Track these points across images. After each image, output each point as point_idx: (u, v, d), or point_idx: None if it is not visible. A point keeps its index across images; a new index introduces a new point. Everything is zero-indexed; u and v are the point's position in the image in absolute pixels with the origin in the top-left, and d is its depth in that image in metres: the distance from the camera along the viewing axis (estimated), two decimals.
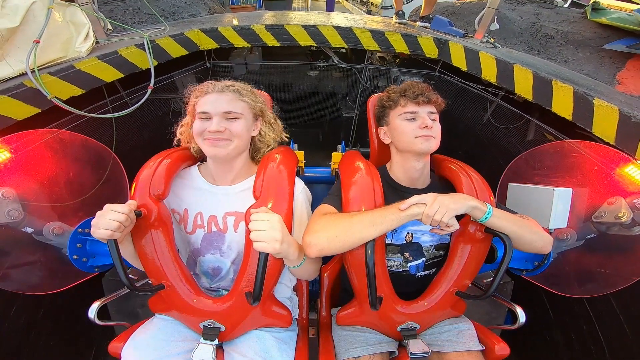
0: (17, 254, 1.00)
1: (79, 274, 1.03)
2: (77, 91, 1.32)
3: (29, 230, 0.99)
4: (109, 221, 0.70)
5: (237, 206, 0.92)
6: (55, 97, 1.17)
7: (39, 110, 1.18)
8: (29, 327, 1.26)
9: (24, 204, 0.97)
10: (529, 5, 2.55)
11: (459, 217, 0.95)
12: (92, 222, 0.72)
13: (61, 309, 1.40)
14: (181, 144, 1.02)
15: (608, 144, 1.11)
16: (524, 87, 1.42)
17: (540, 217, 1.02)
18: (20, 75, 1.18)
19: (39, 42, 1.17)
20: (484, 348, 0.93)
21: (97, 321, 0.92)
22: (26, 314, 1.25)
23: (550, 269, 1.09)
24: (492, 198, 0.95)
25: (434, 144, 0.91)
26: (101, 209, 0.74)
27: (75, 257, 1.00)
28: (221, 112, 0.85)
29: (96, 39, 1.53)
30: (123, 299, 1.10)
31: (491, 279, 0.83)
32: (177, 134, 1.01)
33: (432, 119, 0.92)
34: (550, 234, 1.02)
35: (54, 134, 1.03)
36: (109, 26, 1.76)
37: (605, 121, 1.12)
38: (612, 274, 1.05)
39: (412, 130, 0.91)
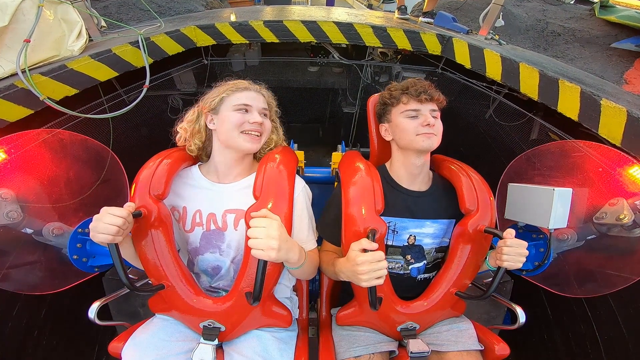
0: (17, 255, 1.00)
1: (79, 274, 1.03)
2: (71, 91, 1.29)
3: (29, 231, 0.98)
4: (107, 225, 0.70)
5: (237, 203, 0.91)
6: (48, 97, 1.14)
7: (32, 112, 1.16)
8: (31, 327, 1.27)
9: (23, 205, 0.96)
10: (535, 1, 2.51)
11: (459, 217, 0.96)
12: (90, 226, 0.71)
13: (62, 309, 1.40)
14: (178, 142, 0.98)
15: (614, 145, 1.09)
16: (529, 86, 1.40)
17: (540, 217, 1.01)
18: (11, 75, 1.15)
19: (29, 41, 1.14)
20: (484, 348, 0.93)
21: (97, 321, 0.92)
22: (28, 314, 1.26)
23: (550, 269, 1.08)
24: (491, 198, 0.95)
25: (435, 141, 0.91)
26: (101, 208, 0.73)
27: (75, 257, 0.99)
28: (260, 108, 0.94)
29: (89, 37, 1.49)
30: (123, 298, 1.10)
31: (491, 279, 0.83)
32: (178, 129, 0.98)
33: (433, 117, 0.92)
34: (550, 234, 1.02)
35: (51, 134, 1.02)
36: (103, 23, 1.72)
37: (612, 122, 1.10)
38: (611, 275, 1.05)
39: (414, 127, 0.91)
